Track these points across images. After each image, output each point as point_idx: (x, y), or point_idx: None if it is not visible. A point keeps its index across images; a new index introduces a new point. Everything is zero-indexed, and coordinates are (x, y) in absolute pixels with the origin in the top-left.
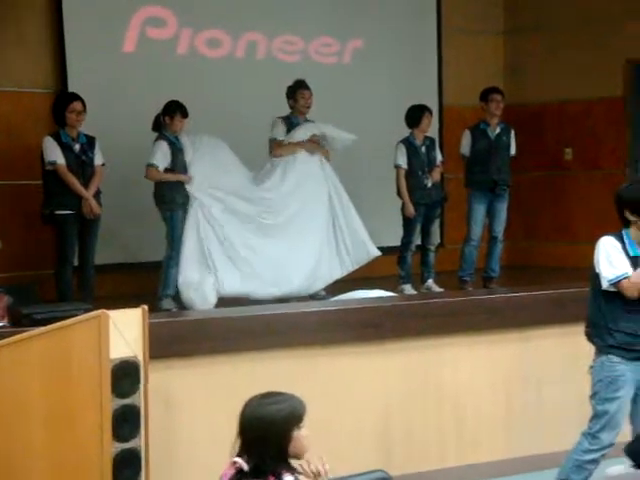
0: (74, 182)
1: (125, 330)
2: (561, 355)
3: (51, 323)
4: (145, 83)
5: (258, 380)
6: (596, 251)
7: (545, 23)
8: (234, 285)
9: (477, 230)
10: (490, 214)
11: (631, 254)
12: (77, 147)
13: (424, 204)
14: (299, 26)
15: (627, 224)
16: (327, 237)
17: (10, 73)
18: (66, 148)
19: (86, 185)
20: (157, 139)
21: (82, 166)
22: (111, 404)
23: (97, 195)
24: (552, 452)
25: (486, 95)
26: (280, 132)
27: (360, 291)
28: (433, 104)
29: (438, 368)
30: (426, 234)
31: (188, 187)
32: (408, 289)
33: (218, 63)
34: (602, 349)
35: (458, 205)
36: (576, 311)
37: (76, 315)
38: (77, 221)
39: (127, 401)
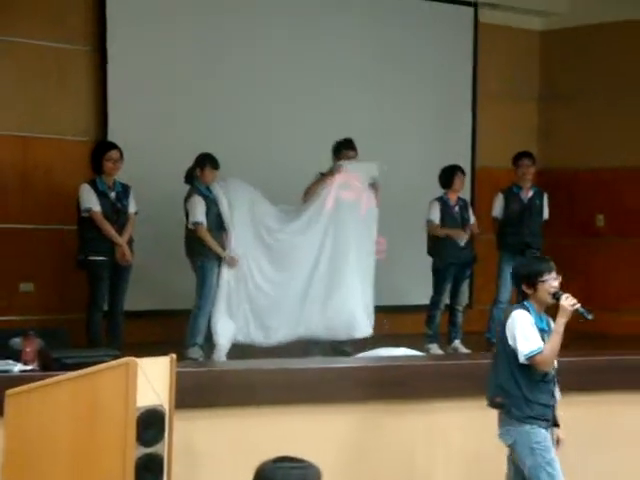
0: (108, 229)
1: (153, 378)
2: (592, 423)
3: (80, 368)
4: (183, 134)
5: (280, 434)
6: (511, 325)
7: (579, 90)
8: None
9: (506, 292)
10: None
11: (538, 326)
12: (113, 195)
13: (455, 264)
14: (335, 83)
15: (526, 297)
16: (355, 289)
17: (52, 121)
18: (102, 195)
19: (120, 232)
20: (191, 193)
21: (117, 213)
22: (135, 452)
23: (130, 242)
24: None
25: (516, 160)
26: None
27: (385, 349)
28: (466, 165)
29: (462, 431)
30: (455, 294)
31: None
32: (435, 348)
33: (258, 112)
34: (521, 419)
35: (488, 266)
36: (606, 378)
37: (105, 361)
38: (109, 267)
39: (151, 450)
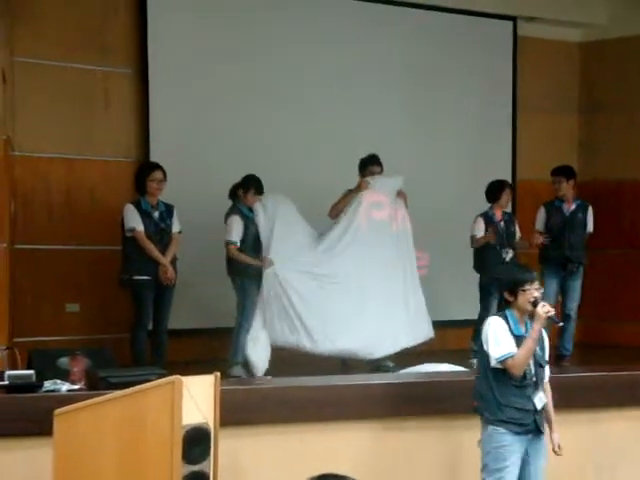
0: (152, 249)
1: (198, 396)
2: (635, 439)
3: (126, 387)
4: (224, 153)
5: (325, 451)
6: (484, 331)
7: (621, 102)
8: (288, 337)
9: None
10: (563, 291)
11: (516, 333)
12: (156, 215)
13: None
14: (375, 99)
15: (508, 304)
16: (396, 304)
17: (95, 142)
18: (146, 215)
19: (163, 251)
20: (231, 212)
21: (160, 233)
22: (181, 470)
23: (174, 262)
24: None
25: (551, 174)
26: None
27: (428, 364)
28: (507, 178)
29: None
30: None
31: (266, 269)
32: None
33: (296, 134)
34: (490, 421)
35: None
36: None
37: (150, 380)
38: (153, 286)
39: (197, 468)
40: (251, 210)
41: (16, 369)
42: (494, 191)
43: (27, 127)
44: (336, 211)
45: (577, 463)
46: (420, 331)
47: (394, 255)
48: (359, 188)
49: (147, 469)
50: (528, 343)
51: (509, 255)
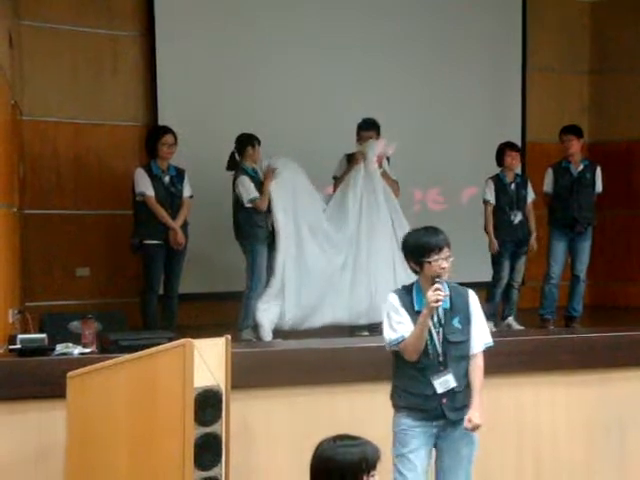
0: (162, 213)
1: (209, 359)
2: None
3: (137, 350)
4: (233, 117)
5: (337, 412)
6: (383, 310)
7: (631, 62)
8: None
9: (557, 268)
10: (572, 253)
11: (416, 308)
12: (167, 179)
13: (511, 241)
14: (382, 61)
15: (416, 273)
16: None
17: (103, 107)
18: (156, 180)
19: (174, 216)
20: (238, 175)
21: (171, 197)
22: (194, 432)
23: (184, 226)
24: None
25: (560, 134)
26: (340, 170)
27: None
28: (517, 140)
29: (517, 407)
30: (511, 271)
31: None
32: (490, 326)
33: (305, 96)
34: (395, 407)
35: (540, 242)
36: None
37: (161, 343)
38: (164, 251)
39: (209, 429)
40: (255, 171)
41: (28, 333)
42: (498, 154)
43: (35, 92)
44: (338, 187)
45: (585, 423)
46: None
47: (387, 227)
48: (355, 161)
49: (159, 431)
50: (417, 330)
51: (518, 218)
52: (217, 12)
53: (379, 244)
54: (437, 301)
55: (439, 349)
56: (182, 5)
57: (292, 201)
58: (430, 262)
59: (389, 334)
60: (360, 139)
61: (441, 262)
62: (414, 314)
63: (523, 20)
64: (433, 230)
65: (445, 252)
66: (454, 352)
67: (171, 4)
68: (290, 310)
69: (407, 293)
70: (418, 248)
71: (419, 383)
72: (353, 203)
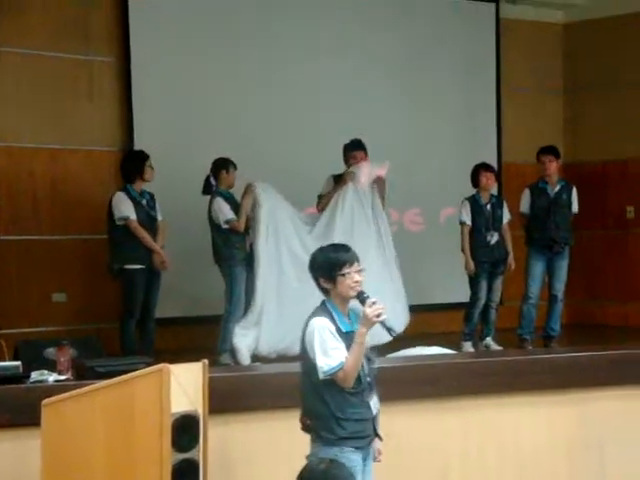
0: (145, 236)
1: (186, 384)
2: (623, 418)
3: (113, 376)
4: (208, 141)
5: None
6: (309, 336)
7: (604, 82)
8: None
9: (535, 288)
10: (550, 272)
11: (344, 330)
12: (144, 202)
13: (487, 261)
14: (358, 83)
15: (326, 293)
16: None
17: (79, 132)
18: (136, 203)
19: (154, 239)
20: (213, 198)
21: (150, 221)
22: (171, 458)
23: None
24: None
25: (538, 155)
26: (327, 189)
27: (418, 348)
28: (492, 161)
29: (497, 428)
30: (489, 291)
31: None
32: (468, 347)
33: (280, 121)
34: (331, 442)
35: (517, 263)
36: (638, 372)
37: (138, 369)
38: (145, 275)
39: (187, 455)
40: (230, 194)
41: (3, 360)
42: (473, 175)
43: (10, 117)
44: (322, 206)
45: (566, 443)
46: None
47: (374, 244)
48: (344, 181)
49: (137, 458)
50: (355, 350)
51: (494, 238)
52: (193, 36)
53: (368, 262)
54: (379, 315)
55: (366, 369)
56: (158, 30)
57: (273, 227)
58: (344, 275)
59: (325, 362)
60: (347, 159)
61: (354, 275)
62: (343, 336)
63: (497, 41)
64: (342, 246)
65: (356, 266)
66: (373, 371)
67: (147, 29)
68: (267, 337)
69: (329, 317)
70: (330, 263)
71: (360, 408)
72: (341, 220)
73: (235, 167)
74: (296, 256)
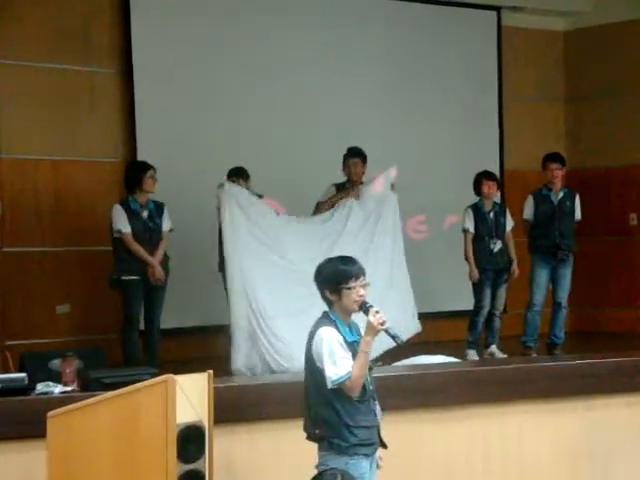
0: (138, 249)
1: (191, 395)
2: (628, 426)
3: (119, 387)
4: (211, 151)
5: None
6: (317, 345)
7: (606, 89)
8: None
9: (539, 295)
10: (554, 280)
11: (349, 340)
12: (145, 214)
13: (491, 269)
14: (358, 93)
15: (330, 305)
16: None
17: (82, 143)
18: (134, 215)
19: (153, 251)
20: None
21: (149, 233)
22: (176, 469)
23: (165, 261)
24: None
25: (545, 162)
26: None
27: (422, 356)
28: (495, 169)
29: (501, 436)
30: (493, 298)
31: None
32: (472, 355)
33: (281, 129)
34: (343, 450)
35: (521, 270)
36: None
37: (143, 379)
38: (143, 286)
39: (192, 466)
40: None
41: (8, 372)
42: (475, 184)
43: (13, 129)
44: (321, 210)
45: (570, 451)
46: (407, 327)
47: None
48: (348, 194)
49: (142, 469)
50: (361, 359)
51: (497, 246)
52: (195, 47)
53: (379, 267)
54: (382, 323)
55: (369, 378)
56: (160, 41)
57: (237, 235)
58: (350, 288)
59: (334, 371)
60: (346, 167)
61: (359, 289)
62: (349, 346)
63: (499, 49)
64: (349, 259)
65: (362, 280)
66: (373, 379)
67: (148, 40)
68: (269, 352)
69: (334, 326)
70: (336, 276)
71: (368, 415)
72: (323, 227)
73: (248, 176)
74: (292, 267)
